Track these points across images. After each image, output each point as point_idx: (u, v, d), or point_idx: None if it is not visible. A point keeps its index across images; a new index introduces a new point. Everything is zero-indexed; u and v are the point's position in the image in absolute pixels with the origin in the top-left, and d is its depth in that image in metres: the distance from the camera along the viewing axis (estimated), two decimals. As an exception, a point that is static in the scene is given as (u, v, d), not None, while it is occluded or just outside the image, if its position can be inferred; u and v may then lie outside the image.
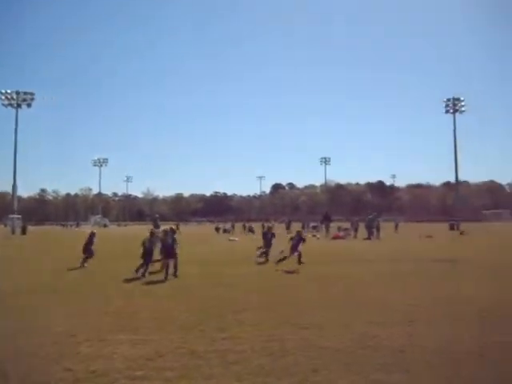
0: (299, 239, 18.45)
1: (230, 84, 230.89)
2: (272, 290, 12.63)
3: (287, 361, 6.53)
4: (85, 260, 18.51)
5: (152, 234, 16.83)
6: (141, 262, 15.74)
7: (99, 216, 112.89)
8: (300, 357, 6.68)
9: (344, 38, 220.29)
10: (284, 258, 17.79)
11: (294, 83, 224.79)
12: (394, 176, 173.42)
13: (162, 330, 8.29)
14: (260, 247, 21.69)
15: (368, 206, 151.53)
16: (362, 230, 40.34)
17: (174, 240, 15.82)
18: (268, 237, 21.15)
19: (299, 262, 17.85)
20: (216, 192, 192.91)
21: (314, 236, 40.56)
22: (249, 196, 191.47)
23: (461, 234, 46.22)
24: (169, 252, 15.44)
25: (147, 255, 15.89)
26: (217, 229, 58.23)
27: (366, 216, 45.06)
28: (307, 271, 16.33)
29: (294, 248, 18.09)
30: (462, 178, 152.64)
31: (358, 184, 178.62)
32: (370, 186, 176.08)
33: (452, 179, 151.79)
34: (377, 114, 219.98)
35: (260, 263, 19.00)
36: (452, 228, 62.06)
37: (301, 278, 15.05)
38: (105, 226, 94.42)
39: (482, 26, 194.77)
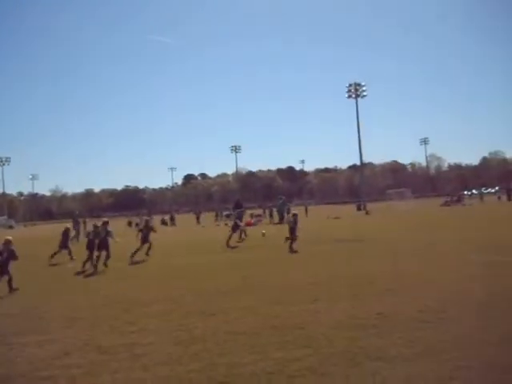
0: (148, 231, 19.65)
1: (136, 75, 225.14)
2: (175, 281, 12.80)
3: (195, 348, 6.71)
4: None
5: (96, 226, 17.49)
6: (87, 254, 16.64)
7: (4, 217, 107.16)
8: (208, 343, 6.89)
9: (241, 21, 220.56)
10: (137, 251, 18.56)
11: (202, 71, 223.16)
12: (303, 161, 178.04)
13: (70, 328, 8.21)
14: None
15: (279, 191, 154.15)
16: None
17: (107, 233, 16.84)
18: (144, 233, 19.61)
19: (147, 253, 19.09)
20: (127, 186, 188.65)
21: (227, 225, 40.85)
22: (161, 188, 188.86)
23: (366, 213, 48.33)
24: (103, 244, 16.43)
25: (91, 247, 16.62)
26: (129, 223, 57.09)
27: (277, 201, 46.02)
28: (221, 257, 16.66)
29: (143, 239, 19.21)
30: (366, 160, 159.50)
31: (269, 170, 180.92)
32: (280, 171, 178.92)
33: (358, 162, 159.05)
34: (284, 101, 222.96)
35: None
36: (359, 208, 64.57)
37: (213, 265, 15.30)
38: (10, 227, 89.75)
39: (380, 16, 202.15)
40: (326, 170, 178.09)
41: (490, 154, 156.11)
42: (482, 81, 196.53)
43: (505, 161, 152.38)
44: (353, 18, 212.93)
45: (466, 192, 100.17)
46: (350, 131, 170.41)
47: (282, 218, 39.48)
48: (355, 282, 10.77)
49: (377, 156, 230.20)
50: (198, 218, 55.51)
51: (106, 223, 17.37)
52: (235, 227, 23.37)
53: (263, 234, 25.64)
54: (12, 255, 12.73)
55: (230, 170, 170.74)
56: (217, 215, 59.74)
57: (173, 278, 13.51)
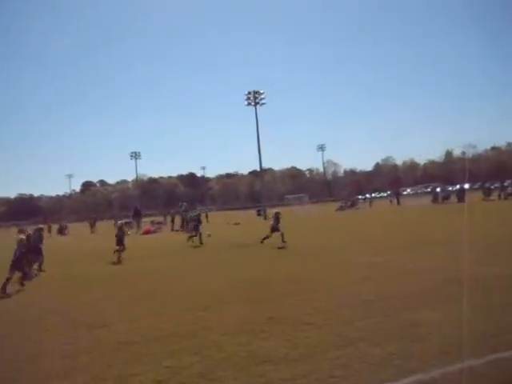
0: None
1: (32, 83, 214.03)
2: (69, 292, 12.53)
3: (82, 360, 6.65)
4: None
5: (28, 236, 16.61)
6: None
7: None
8: (95, 355, 6.85)
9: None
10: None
11: (95, 76, 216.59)
12: (204, 167, 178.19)
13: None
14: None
15: (181, 198, 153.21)
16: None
17: (40, 239, 17.49)
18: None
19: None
20: (21, 194, 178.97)
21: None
22: (58, 196, 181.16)
23: (265, 219, 49.25)
24: (35, 250, 16.43)
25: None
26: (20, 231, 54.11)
27: (179, 208, 45.82)
28: (109, 269, 16.42)
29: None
30: (267, 165, 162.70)
31: (170, 177, 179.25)
32: (181, 178, 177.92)
33: (258, 167, 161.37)
34: (184, 107, 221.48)
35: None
36: (259, 214, 65.50)
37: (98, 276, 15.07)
38: None
39: (270, 23, 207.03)
40: (228, 175, 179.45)
41: (383, 160, 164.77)
42: (375, 89, 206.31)
43: (395, 167, 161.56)
44: (249, 26, 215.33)
45: (360, 196, 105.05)
46: (251, 138, 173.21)
47: (184, 225, 39.31)
48: (251, 287, 11.08)
49: (277, 162, 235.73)
50: (92, 227, 53.34)
51: (40, 230, 18.52)
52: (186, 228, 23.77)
53: (209, 235, 25.89)
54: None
55: (131, 177, 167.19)
56: (115, 223, 58.09)
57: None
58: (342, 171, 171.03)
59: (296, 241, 21.40)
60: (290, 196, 66.81)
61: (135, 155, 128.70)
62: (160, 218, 54.43)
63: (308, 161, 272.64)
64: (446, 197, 50.89)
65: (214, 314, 8.78)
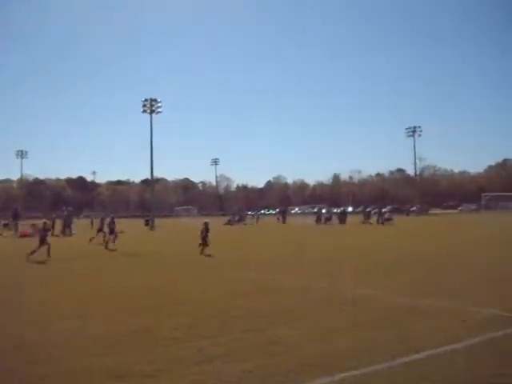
0: None
1: None
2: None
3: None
4: None
5: None
6: None
7: None
8: None
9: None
10: None
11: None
12: (94, 172, 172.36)
13: None
14: None
15: (69, 201, 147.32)
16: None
17: None
18: None
19: None
20: None
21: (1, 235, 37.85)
22: None
23: (151, 229, 48.61)
24: None
25: None
26: None
27: (62, 212, 44.03)
28: None
29: None
30: (160, 175, 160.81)
31: (58, 179, 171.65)
32: (70, 181, 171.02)
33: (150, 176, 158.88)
34: (77, 108, 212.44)
35: None
36: (146, 223, 64.49)
37: None
38: None
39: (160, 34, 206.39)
40: (119, 182, 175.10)
41: (274, 178, 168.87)
42: (269, 110, 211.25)
43: (285, 185, 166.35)
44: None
45: (249, 212, 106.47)
46: (145, 146, 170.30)
47: (65, 230, 37.78)
48: (120, 298, 10.81)
49: (171, 172, 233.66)
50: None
51: None
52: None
53: (121, 231, 26.84)
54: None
55: (15, 176, 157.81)
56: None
57: None
58: (234, 186, 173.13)
59: (175, 251, 21.29)
60: (179, 208, 66.25)
61: (21, 154, 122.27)
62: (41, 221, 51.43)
63: (202, 174, 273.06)
64: (329, 218, 53.27)
65: (76, 326, 8.44)
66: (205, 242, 21.03)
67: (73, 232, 38.19)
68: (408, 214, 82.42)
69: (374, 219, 49.32)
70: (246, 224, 56.12)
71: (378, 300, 10.09)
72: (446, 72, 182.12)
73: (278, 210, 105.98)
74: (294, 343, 7.06)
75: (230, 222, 57.59)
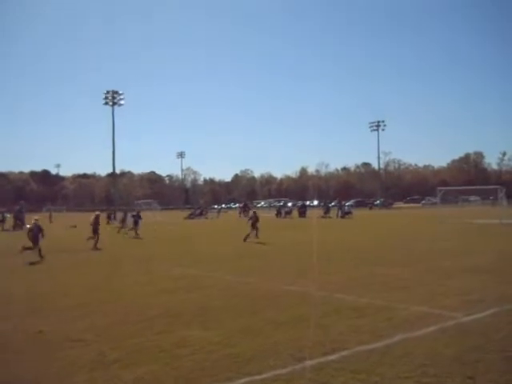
0: None
1: None
2: None
3: None
4: None
5: None
6: None
7: None
8: None
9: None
10: None
11: None
12: (58, 165, 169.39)
13: None
14: None
15: (32, 195, 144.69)
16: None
17: None
18: None
19: None
20: None
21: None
22: None
23: (107, 223, 47.67)
24: None
25: None
26: None
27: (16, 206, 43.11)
28: None
29: None
30: (126, 168, 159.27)
31: (21, 173, 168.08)
32: (33, 174, 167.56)
33: (117, 169, 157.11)
34: (41, 101, 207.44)
35: None
36: (109, 218, 63.40)
37: None
38: None
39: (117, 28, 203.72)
40: (85, 175, 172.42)
41: (241, 171, 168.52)
42: (238, 103, 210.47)
43: (253, 178, 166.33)
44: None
45: (215, 206, 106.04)
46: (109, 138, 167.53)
47: (19, 225, 36.77)
48: (40, 295, 10.45)
49: (138, 166, 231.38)
50: None
51: None
52: None
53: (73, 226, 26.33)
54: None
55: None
56: None
57: None
58: (201, 179, 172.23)
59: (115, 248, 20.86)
60: (139, 201, 65.30)
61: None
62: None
63: (169, 167, 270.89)
64: (288, 212, 53.23)
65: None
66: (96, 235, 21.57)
67: (25, 227, 37.13)
68: (371, 208, 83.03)
69: (333, 213, 49.41)
70: (207, 218, 55.62)
71: (303, 297, 9.84)
72: (410, 67, 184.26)
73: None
74: (202, 345, 6.73)
75: (190, 216, 57.04)
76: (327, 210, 49.70)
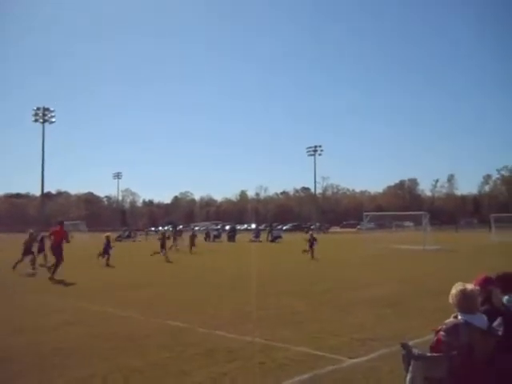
0: None
1: None
2: None
3: None
4: None
5: None
6: None
7: None
8: None
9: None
10: None
11: None
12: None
13: None
14: None
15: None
16: None
17: None
18: None
19: None
20: None
21: None
22: None
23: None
24: None
25: None
26: None
27: None
28: None
29: None
30: (63, 188, 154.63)
31: None
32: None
33: (53, 189, 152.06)
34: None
35: None
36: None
37: None
38: None
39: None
40: (18, 195, 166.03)
41: (181, 194, 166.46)
42: (172, 126, 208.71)
43: (192, 201, 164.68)
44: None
45: (153, 228, 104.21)
46: (46, 157, 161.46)
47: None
48: None
49: (75, 186, 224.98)
50: None
51: None
52: None
53: None
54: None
55: None
56: None
57: None
58: (140, 201, 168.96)
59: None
60: (67, 222, 62.66)
61: None
62: None
63: (107, 188, 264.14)
64: (218, 235, 52.43)
65: None
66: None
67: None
68: (307, 232, 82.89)
69: (263, 237, 48.66)
70: (135, 241, 53.89)
71: (178, 335, 8.62)
72: (347, 94, 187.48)
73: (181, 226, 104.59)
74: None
75: (118, 239, 55.23)
76: (257, 234, 49.06)
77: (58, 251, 17.69)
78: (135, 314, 10.65)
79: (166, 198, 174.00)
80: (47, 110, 71.69)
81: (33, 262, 20.97)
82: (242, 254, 30.94)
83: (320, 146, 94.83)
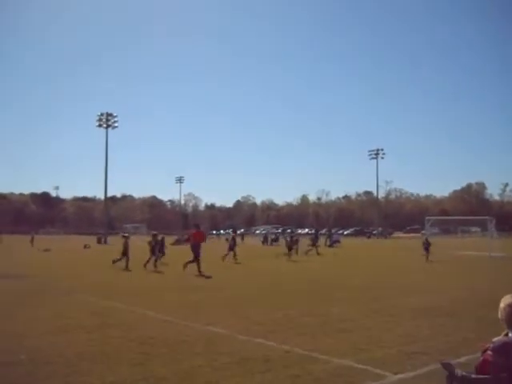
0: None
1: None
2: None
3: None
4: None
5: None
6: None
7: None
8: None
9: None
10: None
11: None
12: (57, 187, 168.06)
13: None
14: None
15: (32, 217, 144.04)
16: None
17: None
18: None
19: None
20: None
21: None
22: None
23: (84, 247, 46.67)
24: None
25: None
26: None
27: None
28: None
29: None
30: (128, 192, 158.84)
31: (21, 194, 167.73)
32: (34, 196, 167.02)
33: (118, 193, 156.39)
34: (34, 123, 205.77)
35: None
36: (99, 241, 62.22)
37: None
38: None
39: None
40: (85, 198, 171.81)
41: (243, 197, 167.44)
42: (236, 129, 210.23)
43: (254, 205, 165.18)
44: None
45: (214, 232, 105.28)
46: (109, 162, 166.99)
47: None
48: None
49: (139, 190, 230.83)
50: None
51: None
52: None
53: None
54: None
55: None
56: None
57: None
58: (202, 205, 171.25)
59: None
60: (128, 225, 64.13)
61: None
62: None
63: (170, 192, 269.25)
64: (275, 239, 51.98)
65: None
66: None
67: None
68: (369, 237, 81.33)
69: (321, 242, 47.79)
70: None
71: (215, 341, 8.22)
72: (410, 97, 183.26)
73: (242, 230, 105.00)
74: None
75: (177, 242, 55.70)
76: (315, 239, 48.18)
77: (196, 249, 20.40)
78: (173, 319, 10.32)
79: (228, 202, 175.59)
80: (110, 115, 73.56)
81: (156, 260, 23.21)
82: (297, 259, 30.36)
83: (382, 150, 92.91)
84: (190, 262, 20.47)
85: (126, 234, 26.05)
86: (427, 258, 27.78)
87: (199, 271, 19.92)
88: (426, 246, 28.90)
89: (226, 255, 26.98)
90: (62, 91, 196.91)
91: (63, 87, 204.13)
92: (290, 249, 31.31)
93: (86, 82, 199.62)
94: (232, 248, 27.67)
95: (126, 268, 21.92)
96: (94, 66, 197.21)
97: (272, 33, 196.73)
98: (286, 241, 33.69)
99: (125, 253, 22.65)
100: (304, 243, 39.01)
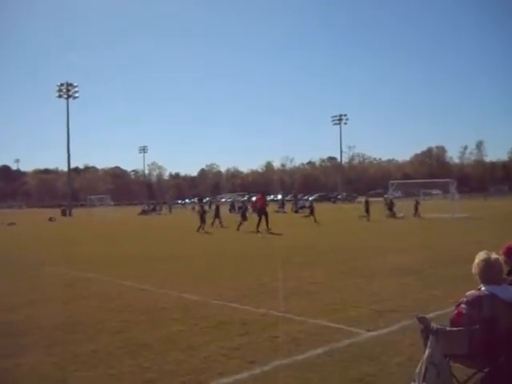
0: None
1: None
2: None
3: None
4: None
5: None
6: None
7: None
8: None
9: None
10: None
11: None
12: (18, 160, 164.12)
13: None
14: None
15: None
16: None
17: None
18: None
19: None
20: None
21: None
22: None
23: (50, 220, 46.13)
24: None
25: None
26: None
27: None
28: None
29: None
30: (91, 163, 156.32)
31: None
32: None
33: (81, 165, 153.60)
34: None
35: None
36: (64, 213, 61.41)
37: None
38: None
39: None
40: (46, 171, 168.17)
41: (207, 166, 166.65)
42: (203, 95, 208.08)
43: (219, 173, 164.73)
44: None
45: (179, 201, 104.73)
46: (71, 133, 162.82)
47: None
48: None
49: (102, 160, 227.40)
50: None
51: None
52: None
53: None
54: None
55: None
56: None
57: None
58: (167, 174, 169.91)
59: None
60: (92, 197, 63.20)
61: None
62: None
63: (134, 162, 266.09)
64: (241, 207, 51.97)
65: None
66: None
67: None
68: (334, 202, 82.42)
69: (288, 208, 48.37)
70: (159, 214, 54.12)
71: (191, 308, 8.38)
72: (372, 61, 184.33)
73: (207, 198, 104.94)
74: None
75: (143, 212, 55.50)
76: (282, 205, 48.79)
77: (262, 212, 24.49)
78: (150, 287, 10.41)
79: (192, 171, 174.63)
80: (70, 85, 71.77)
81: (212, 224, 28.04)
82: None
83: (345, 115, 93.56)
84: (259, 223, 23.75)
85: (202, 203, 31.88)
86: (368, 219, 30.99)
87: (268, 229, 23.72)
88: (390, 206, 32.76)
89: (239, 224, 26.77)
90: (19, 61, 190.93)
91: (20, 57, 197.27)
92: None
93: (45, 51, 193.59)
94: (218, 216, 29.63)
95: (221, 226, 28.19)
96: (54, 35, 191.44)
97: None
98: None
99: (216, 215, 28.62)
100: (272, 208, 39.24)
